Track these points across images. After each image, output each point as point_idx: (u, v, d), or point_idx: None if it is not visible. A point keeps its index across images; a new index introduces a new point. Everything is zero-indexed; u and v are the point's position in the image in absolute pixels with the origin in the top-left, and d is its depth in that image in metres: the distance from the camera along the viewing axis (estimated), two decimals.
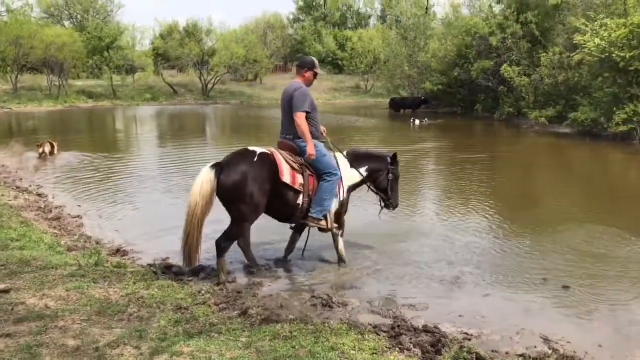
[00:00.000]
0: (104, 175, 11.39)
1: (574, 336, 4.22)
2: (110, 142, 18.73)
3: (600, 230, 7.21)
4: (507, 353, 3.88)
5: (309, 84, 5.61)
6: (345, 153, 5.93)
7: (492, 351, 3.85)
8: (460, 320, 4.50)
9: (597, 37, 17.07)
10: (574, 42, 18.66)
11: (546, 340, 4.13)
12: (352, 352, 3.63)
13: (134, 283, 4.84)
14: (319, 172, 5.45)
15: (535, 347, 4.00)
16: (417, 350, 3.82)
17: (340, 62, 52.41)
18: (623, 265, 5.95)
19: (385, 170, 5.99)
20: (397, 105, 31.99)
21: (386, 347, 3.81)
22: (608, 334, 4.31)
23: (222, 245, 5.28)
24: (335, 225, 5.67)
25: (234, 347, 3.58)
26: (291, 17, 64.14)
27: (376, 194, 6.16)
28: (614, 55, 16.36)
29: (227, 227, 5.35)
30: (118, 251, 6.20)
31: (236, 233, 5.32)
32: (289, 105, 5.43)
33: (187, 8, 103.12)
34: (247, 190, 5.07)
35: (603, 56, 16.91)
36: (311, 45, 55.41)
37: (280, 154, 5.31)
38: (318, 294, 4.94)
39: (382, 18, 61.84)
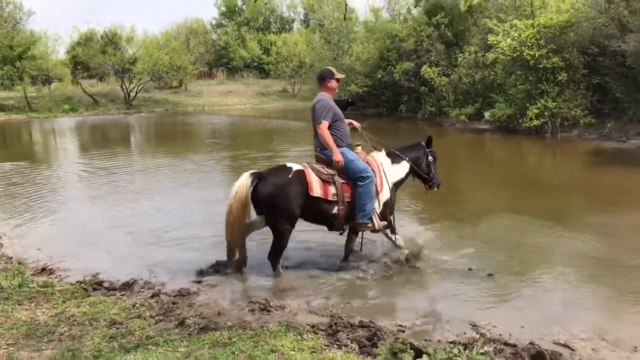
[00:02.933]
0: (20, 189, 10.84)
1: (499, 320, 4.48)
2: (26, 154, 17.70)
3: (519, 219, 7.67)
4: (438, 341, 4.07)
5: (333, 92, 5.85)
6: (384, 151, 6.12)
7: (425, 340, 4.03)
8: (394, 313, 4.68)
9: (509, 37, 18.07)
10: (488, 42, 19.63)
11: (474, 326, 4.38)
12: (292, 352, 3.69)
13: (63, 302, 4.68)
14: (351, 178, 5.59)
15: (465, 333, 4.23)
16: (354, 345, 3.94)
17: (265, 67, 52.35)
18: (541, 251, 6.38)
19: (424, 155, 6.21)
20: None
21: (324, 345, 3.90)
22: (529, 315, 4.61)
23: (274, 258, 5.62)
24: (384, 222, 5.79)
25: (173, 357, 3.56)
26: (214, 22, 63.41)
27: (420, 178, 6.35)
28: (524, 53, 17.36)
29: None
30: (43, 270, 5.92)
31: (279, 245, 5.61)
32: (312, 118, 5.67)
33: (102, 15, 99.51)
34: (280, 202, 5.41)
35: (515, 55, 17.91)
36: (235, 51, 54.98)
37: (312, 169, 5.56)
38: (255, 299, 4.96)
39: (306, 22, 62.31)
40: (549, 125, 17.44)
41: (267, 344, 3.81)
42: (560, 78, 17.20)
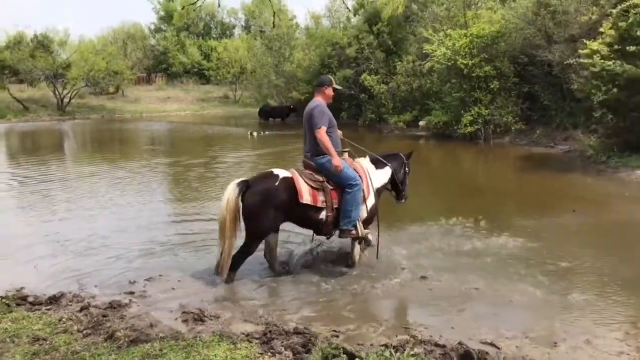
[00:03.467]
0: None
1: (431, 322, 4.61)
2: None
3: (452, 224, 7.88)
4: (371, 345, 4.13)
5: (329, 100, 5.91)
6: (367, 157, 6.27)
7: (358, 344, 4.08)
8: (329, 319, 4.71)
9: (443, 46, 18.63)
10: (424, 51, 20.16)
11: (407, 328, 4.48)
12: None
13: None
14: (340, 185, 5.63)
15: (397, 335, 4.31)
16: (288, 352, 3.93)
17: (206, 73, 51.64)
18: (474, 254, 6.57)
19: (402, 166, 6.45)
20: (265, 114, 32.26)
21: (258, 353, 3.88)
22: (460, 316, 4.76)
23: (237, 260, 5.57)
24: (367, 231, 5.84)
25: None
26: (152, 27, 61.98)
27: (390, 190, 6.52)
28: (458, 62, 17.95)
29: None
30: None
31: (249, 247, 5.59)
32: (308, 123, 5.69)
33: (34, 17, 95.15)
34: (265, 210, 5.43)
35: (449, 63, 18.47)
36: (175, 56, 53.94)
37: (301, 176, 5.57)
38: (189, 309, 4.87)
39: (247, 28, 61.95)
40: (482, 131, 18.07)
41: (200, 354, 3.76)
42: (492, 86, 17.88)
